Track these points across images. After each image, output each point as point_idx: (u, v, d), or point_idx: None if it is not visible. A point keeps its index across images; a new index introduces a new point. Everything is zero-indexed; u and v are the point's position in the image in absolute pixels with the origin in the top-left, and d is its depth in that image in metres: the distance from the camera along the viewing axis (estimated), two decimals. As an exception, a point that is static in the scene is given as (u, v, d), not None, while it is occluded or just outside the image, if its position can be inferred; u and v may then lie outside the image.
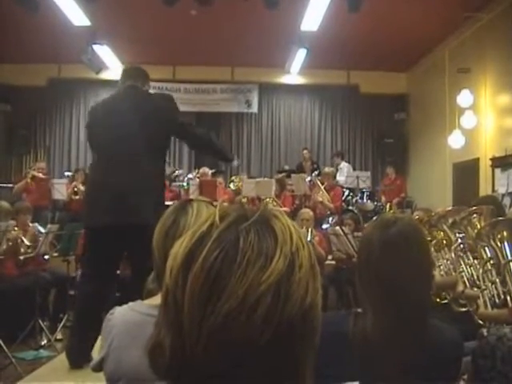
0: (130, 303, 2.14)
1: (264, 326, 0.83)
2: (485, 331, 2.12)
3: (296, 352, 0.89)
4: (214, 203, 2.31)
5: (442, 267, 4.96)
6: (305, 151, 14.74)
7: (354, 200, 12.30)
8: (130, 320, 2.05)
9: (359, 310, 2.14)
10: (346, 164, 14.22)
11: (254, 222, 0.89)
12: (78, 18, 10.78)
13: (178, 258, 0.89)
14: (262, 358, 0.85)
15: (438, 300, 4.91)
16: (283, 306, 0.85)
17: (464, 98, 11.08)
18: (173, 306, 0.88)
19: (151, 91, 5.74)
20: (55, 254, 8.42)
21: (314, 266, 0.92)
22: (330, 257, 8.84)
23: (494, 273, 3.88)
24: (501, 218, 4.09)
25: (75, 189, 11.44)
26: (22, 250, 7.37)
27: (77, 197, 11.29)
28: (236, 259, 0.85)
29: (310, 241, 8.22)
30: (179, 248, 0.90)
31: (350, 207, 11.81)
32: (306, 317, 0.88)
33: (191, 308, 0.85)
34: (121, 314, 2.12)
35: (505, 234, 3.77)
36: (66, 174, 13.33)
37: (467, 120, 11.05)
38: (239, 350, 0.84)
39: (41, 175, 11.76)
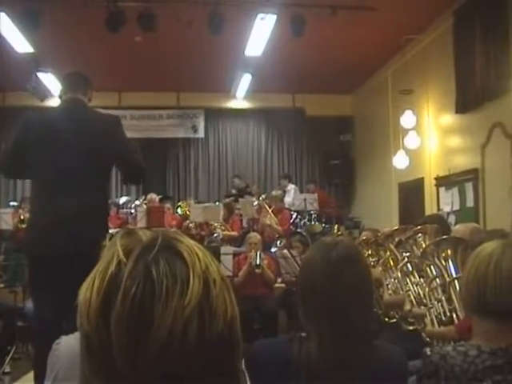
0: (76, 333, 2.09)
1: (197, 348, 0.84)
2: (428, 350, 2.15)
3: (228, 359, 0.90)
4: (162, 229, 2.28)
5: (389, 286, 5.01)
6: (235, 179, 14.97)
7: (302, 222, 12.36)
8: (76, 351, 2.00)
9: (303, 334, 2.15)
10: (293, 186, 14.35)
11: (160, 250, 0.90)
12: (22, 45, 10.64)
13: (93, 303, 0.88)
14: (201, 376, 0.86)
15: (386, 319, 4.96)
16: (210, 324, 0.86)
17: (407, 118, 11.23)
18: (99, 351, 0.87)
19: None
20: (1, 285, 8.25)
21: (224, 279, 0.93)
22: (279, 280, 8.84)
23: (439, 291, 3.94)
24: (444, 237, 4.16)
25: (21, 217, 11.23)
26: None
27: (23, 225, 11.09)
28: (155, 291, 0.85)
29: (259, 264, 8.23)
30: (90, 293, 0.89)
31: (299, 230, 11.86)
32: (231, 328, 0.90)
33: (121, 348, 0.84)
34: (66, 344, 2.07)
35: (449, 252, 3.84)
36: (12, 203, 13.10)
37: (411, 140, 11.20)
38: (178, 376, 0.84)
39: (-15, 205, 11.55)
